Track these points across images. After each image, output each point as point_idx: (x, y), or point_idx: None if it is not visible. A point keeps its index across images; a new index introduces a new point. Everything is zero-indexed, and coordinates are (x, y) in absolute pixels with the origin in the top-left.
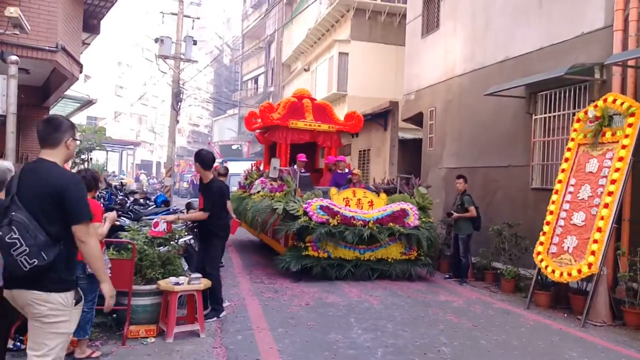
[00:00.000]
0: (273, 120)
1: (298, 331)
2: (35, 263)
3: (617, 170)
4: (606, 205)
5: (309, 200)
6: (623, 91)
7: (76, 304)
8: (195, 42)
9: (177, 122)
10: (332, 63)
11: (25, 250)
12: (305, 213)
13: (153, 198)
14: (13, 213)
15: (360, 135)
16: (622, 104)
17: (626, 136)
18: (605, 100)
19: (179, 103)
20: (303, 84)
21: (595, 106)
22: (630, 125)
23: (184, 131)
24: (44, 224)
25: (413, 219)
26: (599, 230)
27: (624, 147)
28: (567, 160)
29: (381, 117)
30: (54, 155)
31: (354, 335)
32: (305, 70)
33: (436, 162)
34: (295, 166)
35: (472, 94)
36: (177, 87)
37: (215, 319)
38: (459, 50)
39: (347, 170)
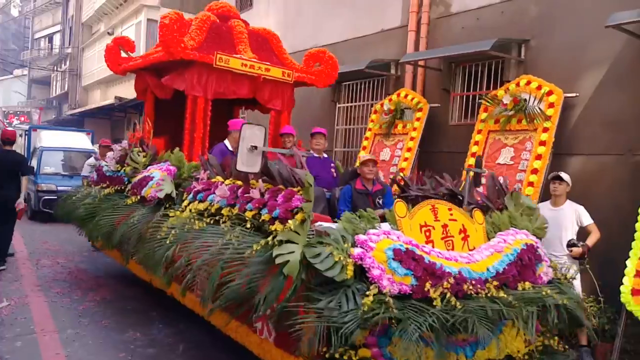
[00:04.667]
0: (186, 51)
1: (91, 331)
2: None
3: (405, 159)
4: None
5: (364, 239)
6: (414, 87)
7: None
8: None
9: None
10: (139, 29)
11: None
12: (363, 272)
13: None
14: None
15: None
16: (412, 99)
17: (414, 129)
18: (398, 95)
19: None
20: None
21: (390, 100)
22: (418, 119)
23: None
24: None
25: (545, 268)
26: None
27: (412, 138)
28: (364, 148)
29: None
30: None
31: (155, 332)
32: (109, 33)
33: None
34: (225, 143)
35: None
36: None
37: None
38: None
39: (325, 156)
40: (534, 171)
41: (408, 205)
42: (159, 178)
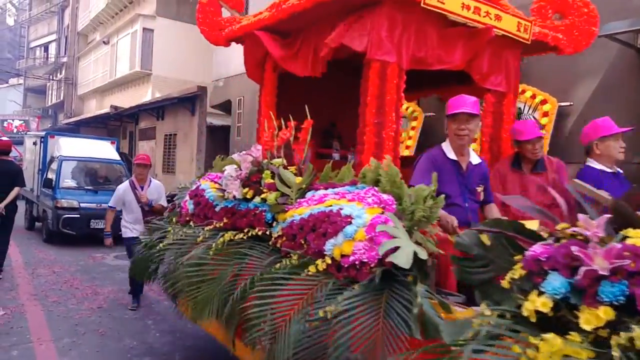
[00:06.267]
0: None
1: (87, 340)
2: None
3: None
4: None
5: None
6: None
7: None
8: None
9: None
10: (135, 38)
11: None
12: None
13: None
14: None
15: (167, 118)
16: (407, 108)
17: (410, 138)
18: None
19: None
20: (102, 58)
21: None
22: (413, 128)
23: None
24: None
25: None
26: None
27: (407, 147)
28: None
29: (189, 102)
30: None
31: (151, 340)
32: (104, 42)
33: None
34: (443, 147)
35: None
36: None
37: None
38: None
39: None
40: None
41: None
42: (367, 220)
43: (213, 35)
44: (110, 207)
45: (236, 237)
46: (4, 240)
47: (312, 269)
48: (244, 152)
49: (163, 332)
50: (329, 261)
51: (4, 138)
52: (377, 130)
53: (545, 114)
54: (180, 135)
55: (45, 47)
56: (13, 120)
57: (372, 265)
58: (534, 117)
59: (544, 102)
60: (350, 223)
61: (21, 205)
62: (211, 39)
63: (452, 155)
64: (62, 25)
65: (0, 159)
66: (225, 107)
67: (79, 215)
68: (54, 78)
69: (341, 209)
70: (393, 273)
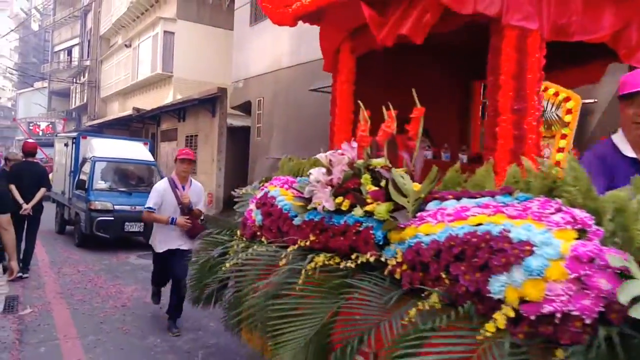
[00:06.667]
0: None
1: (112, 337)
2: None
3: None
4: None
5: None
6: None
7: None
8: None
9: None
10: (156, 41)
11: None
12: None
13: None
14: None
15: (188, 120)
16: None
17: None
18: None
19: None
20: (124, 61)
21: None
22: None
23: None
24: None
25: None
26: None
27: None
28: None
29: (209, 103)
30: None
31: (174, 338)
32: (126, 46)
33: (264, 151)
34: (615, 139)
35: (298, 87)
36: None
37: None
38: (286, 42)
39: None
40: None
41: None
42: (562, 249)
43: (277, 13)
44: (149, 208)
45: (340, 264)
46: (31, 239)
47: (489, 327)
48: (335, 151)
49: (186, 330)
50: (511, 313)
51: (30, 140)
52: (516, 120)
53: (569, 112)
54: (201, 137)
55: (69, 50)
56: (39, 122)
57: (586, 320)
58: (557, 114)
59: (567, 99)
60: (532, 253)
61: (51, 208)
62: (275, 18)
63: (628, 151)
64: (85, 29)
65: (26, 161)
66: (245, 108)
67: (113, 218)
68: (78, 81)
69: (507, 230)
70: (627, 334)
